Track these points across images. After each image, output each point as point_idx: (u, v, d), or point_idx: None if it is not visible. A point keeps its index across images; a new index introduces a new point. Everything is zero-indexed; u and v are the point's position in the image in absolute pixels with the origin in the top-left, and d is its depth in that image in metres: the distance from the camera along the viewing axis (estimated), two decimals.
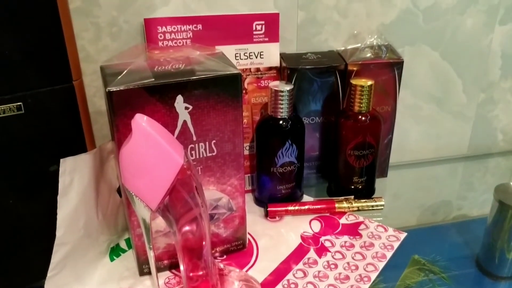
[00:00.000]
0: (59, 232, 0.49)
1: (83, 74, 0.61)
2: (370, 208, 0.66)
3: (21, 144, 0.47)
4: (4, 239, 0.50)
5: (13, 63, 0.44)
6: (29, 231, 0.50)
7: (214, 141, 0.51)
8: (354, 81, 0.63)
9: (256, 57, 0.65)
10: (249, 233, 0.62)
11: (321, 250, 0.59)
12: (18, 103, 0.46)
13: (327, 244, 0.61)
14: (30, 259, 0.51)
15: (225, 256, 0.59)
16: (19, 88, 0.45)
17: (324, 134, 0.70)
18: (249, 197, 0.69)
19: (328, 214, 0.66)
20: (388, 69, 0.67)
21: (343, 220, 0.65)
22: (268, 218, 0.65)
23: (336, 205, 0.66)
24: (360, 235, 0.62)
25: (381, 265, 0.57)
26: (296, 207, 0.65)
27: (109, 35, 0.62)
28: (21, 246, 0.51)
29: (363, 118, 0.64)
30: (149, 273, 0.55)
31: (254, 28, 0.64)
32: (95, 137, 0.55)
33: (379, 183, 0.72)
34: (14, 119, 0.46)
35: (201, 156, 0.51)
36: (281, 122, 0.62)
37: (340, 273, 0.56)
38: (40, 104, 0.47)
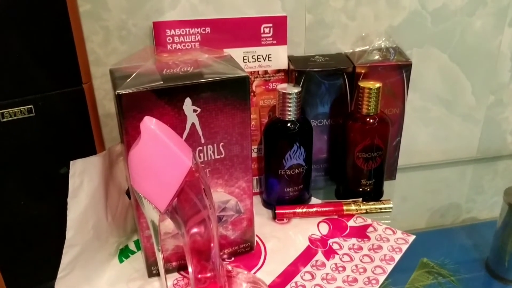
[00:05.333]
0: (69, 234, 0.50)
1: (93, 77, 0.62)
2: (378, 211, 0.66)
3: (32, 147, 0.48)
4: (15, 240, 0.50)
5: (24, 66, 0.45)
6: (39, 232, 0.51)
7: (222, 143, 0.52)
8: (362, 84, 0.63)
9: (264, 60, 0.66)
10: (257, 235, 0.62)
11: (329, 253, 0.59)
12: (29, 106, 0.46)
13: (335, 246, 0.61)
14: (41, 260, 0.52)
15: (233, 258, 0.59)
16: (30, 91, 0.46)
17: (332, 136, 0.70)
18: (257, 199, 0.69)
19: (336, 217, 0.66)
20: (396, 71, 0.67)
21: (351, 223, 0.65)
22: (276, 220, 0.66)
23: (344, 207, 0.66)
24: (368, 238, 0.62)
25: (389, 267, 0.57)
26: (304, 210, 0.65)
27: (118, 38, 0.63)
28: (32, 247, 0.51)
29: (371, 121, 0.64)
30: (158, 274, 0.55)
31: (262, 31, 0.64)
32: (104, 139, 0.55)
33: (387, 185, 0.72)
34: (25, 122, 0.46)
35: (209, 158, 0.52)
36: (289, 124, 0.62)
37: (348, 276, 0.56)
38: (50, 107, 0.47)
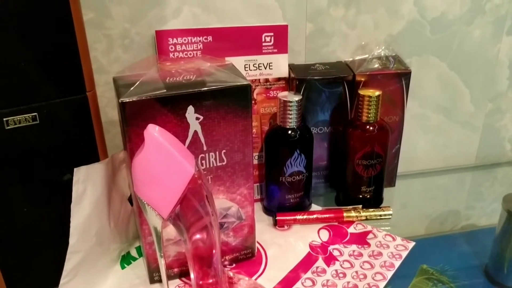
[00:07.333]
0: (72, 240, 0.50)
1: (96, 85, 0.62)
2: (378, 218, 0.67)
3: (36, 154, 0.48)
4: (18, 246, 0.51)
5: (29, 74, 0.45)
6: (42, 239, 0.51)
7: (224, 151, 0.52)
8: (362, 92, 0.64)
9: (265, 68, 0.66)
10: (258, 242, 0.62)
11: (330, 259, 0.60)
12: (33, 114, 0.47)
13: (336, 253, 0.61)
14: (43, 266, 0.52)
15: (234, 265, 0.59)
16: (35, 99, 0.46)
17: (332, 143, 0.71)
18: (257, 206, 0.70)
19: (336, 223, 0.66)
20: (396, 79, 0.68)
21: (351, 229, 0.65)
22: (276, 227, 0.66)
23: (344, 214, 0.66)
24: (369, 244, 0.62)
25: (389, 274, 0.57)
26: (305, 216, 0.66)
27: (121, 46, 0.64)
28: (35, 253, 0.52)
29: (371, 128, 0.65)
30: (160, 281, 0.55)
31: (263, 40, 0.65)
32: (108, 147, 0.56)
33: (387, 192, 0.72)
34: (29, 130, 0.47)
35: (211, 165, 0.52)
36: (289, 132, 0.63)
37: (348, 282, 0.56)
38: (54, 114, 0.48)
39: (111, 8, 0.62)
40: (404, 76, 0.68)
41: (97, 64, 0.64)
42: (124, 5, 0.62)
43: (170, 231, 0.53)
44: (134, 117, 0.47)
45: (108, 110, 0.66)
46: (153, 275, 0.55)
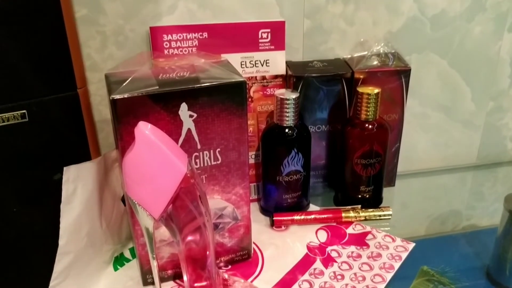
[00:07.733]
0: (62, 241, 0.49)
1: (89, 82, 0.62)
2: (378, 218, 0.66)
3: (25, 152, 0.47)
4: (7, 247, 0.49)
5: (18, 71, 0.44)
6: (32, 240, 0.50)
7: (218, 149, 0.51)
8: (360, 89, 0.63)
9: (262, 65, 0.65)
10: (254, 243, 0.61)
11: (328, 261, 0.59)
12: (23, 111, 0.46)
13: (334, 254, 0.60)
14: (33, 268, 0.51)
15: (229, 266, 0.58)
16: (24, 96, 0.45)
17: (331, 142, 0.70)
18: (254, 206, 0.69)
19: (334, 224, 0.65)
20: (395, 77, 0.67)
21: (350, 230, 0.64)
22: (273, 227, 0.65)
23: (343, 214, 0.65)
24: (368, 245, 0.61)
25: (388, 276, 0.56)
26: (302, 217, 0.65)
27: (115, 43, 0.63)
28: (24, 254, 0.51)
29: (370, 126, 0.64)
30: (153, 283, 0.54)
31: (260, 36, 0.64)
32: (101, 145, 0.55)
33: (386, 192, 0.71)
34: (18, 127, 0.46)
35: (205, 164, 0.51)
36: (287, 130, 0.62)
37: (347, 284, 0.55)
38: (44, 112, 0.47)
39: (105, 5, 0.60)
40: (403, 73, 0.67)
41: (91, 61, 0.62)
42: (118, 1, 0.61)
43: (164, 232, 0.52)
44: (126, 114, 0.45)
45: (101, 108, 0.65)
46: (146, 277, 0.54)
